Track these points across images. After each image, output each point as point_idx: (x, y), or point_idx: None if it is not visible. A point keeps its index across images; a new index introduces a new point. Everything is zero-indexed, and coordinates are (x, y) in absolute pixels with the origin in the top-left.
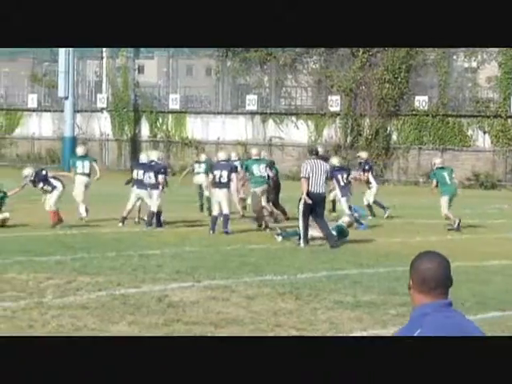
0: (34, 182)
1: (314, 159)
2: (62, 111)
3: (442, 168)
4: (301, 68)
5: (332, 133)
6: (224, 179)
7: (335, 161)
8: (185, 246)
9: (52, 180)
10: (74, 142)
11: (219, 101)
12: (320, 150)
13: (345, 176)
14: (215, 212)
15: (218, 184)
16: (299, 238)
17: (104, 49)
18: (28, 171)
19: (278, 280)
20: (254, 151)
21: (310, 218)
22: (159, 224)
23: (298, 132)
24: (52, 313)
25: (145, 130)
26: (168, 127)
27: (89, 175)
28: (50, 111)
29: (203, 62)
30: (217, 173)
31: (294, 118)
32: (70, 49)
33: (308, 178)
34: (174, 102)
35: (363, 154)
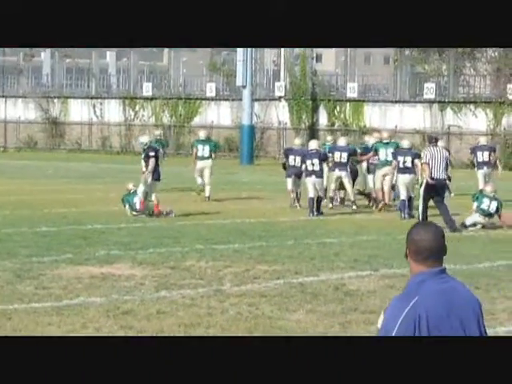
0: (145, 151)
1: (434, 146)
2: (240, 100)
3: None
4: (479, 56)
5: (511, 121)
6: (408, 164)
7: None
8: (362, 234)
9: (154, 164)
10: (252, 130)
11: (397, 89)
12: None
13: (486, 154)
14: (403, 196)
15: (402, 169)
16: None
17: None
18: (145, 138)
19: (456, 269)
20: (385, 134)
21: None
22: (319, 212)
23: (477, 120)
24: (230, 301)
25: (322, 119)
26: (346, 115)
27: (208, 158)
28: (228, 100)
29: (381, 51)
30: (400, 159)
31: (472, 107)
32: None
33: (428, 164)
34: (351, 91)
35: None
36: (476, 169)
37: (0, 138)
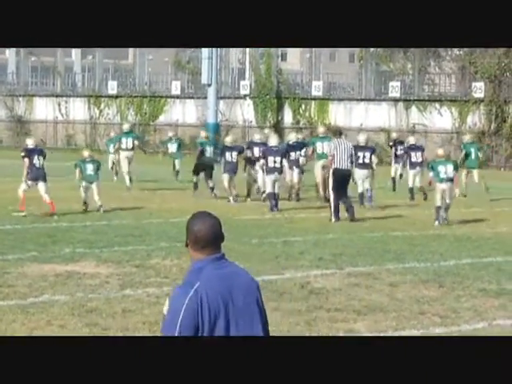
0: (26, 152)
1: (338, 139)
2: (206, 98)
3: (472, 143)
4: (444, 54)
5: (476, 119)
6: (367, 160)
7: (412, 139)
8: (327, 233)
9: (33, 169)
10: (217, 128)
11: (362, 87)
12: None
13: (419, 154)
14: (360, 189)
15: (361, 165)
16: (331, 214)
17: None
18: (29, 141)
19: (421, 267)
20: (321, 129)
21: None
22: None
23: (442, 119)
24: None
25: (288, 117)
26: (311, 114)
27: (131, 150)
28: (193, 98)
29: (346, 49)
30: (360, 154)
31: (437, 105)
32: None
33: (333, 156)
34: (316, 89)
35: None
36: (408, 168)
37: None
